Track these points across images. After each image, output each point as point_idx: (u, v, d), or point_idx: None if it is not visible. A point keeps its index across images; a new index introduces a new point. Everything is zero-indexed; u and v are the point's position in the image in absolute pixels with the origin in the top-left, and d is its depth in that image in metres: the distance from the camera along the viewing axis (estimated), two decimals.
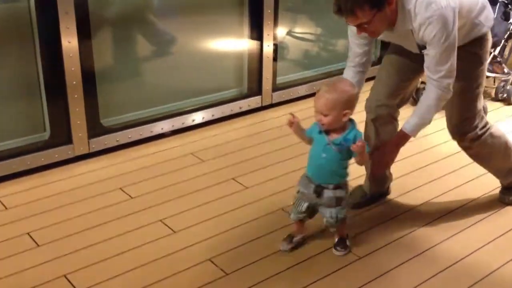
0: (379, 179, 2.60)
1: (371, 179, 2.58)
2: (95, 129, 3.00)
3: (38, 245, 2.32)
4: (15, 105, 2.85)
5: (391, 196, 2.71)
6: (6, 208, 2.57)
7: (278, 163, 3.03)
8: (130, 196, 2.69)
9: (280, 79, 3.73)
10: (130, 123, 3.18)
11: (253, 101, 3.62)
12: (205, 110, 3.43)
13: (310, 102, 3.78)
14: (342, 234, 2.30)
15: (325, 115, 2.05)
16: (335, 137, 2.11)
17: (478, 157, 2.52)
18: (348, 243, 2.30)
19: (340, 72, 3.89)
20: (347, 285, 2.13)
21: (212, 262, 2.23)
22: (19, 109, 2.86)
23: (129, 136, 3.15)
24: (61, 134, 2.90)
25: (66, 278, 2.13)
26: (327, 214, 2.20)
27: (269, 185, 2.81)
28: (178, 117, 3.32)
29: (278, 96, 3.72)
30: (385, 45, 4.09)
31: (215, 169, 2.95)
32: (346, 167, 2.18)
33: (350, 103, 2.07)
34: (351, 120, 2.12)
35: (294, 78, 3.88)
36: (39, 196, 2.66)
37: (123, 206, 2.61)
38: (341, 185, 2.19)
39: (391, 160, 2.34)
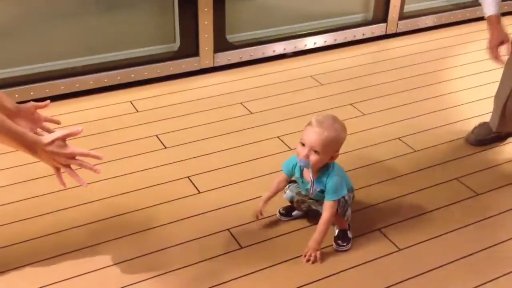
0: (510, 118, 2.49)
1: (501, 116, 2.48)
2: (221, 44, 3.09)
3: (165, 147, 2.50)
4: (150, 15, 2.99)
5: None
6: (137, 111, 2.77)
7: (396, 93, 2.98)
8: (250, 111, 2.79)
9: (407, 8, 3.60)
10: (253, 41, 3.24)
11: (378, 29, 3.54)
12: (328, 34, 3.41)
13: (436, 33, 3.68)
14: (341, 226, 2.00)
15: (316, 153, 1.81)
16: (312, 179, 1.90)
17: None
18: (350, 234, 2.00)
19: (472, 4, 3.73)
20: (460, 221, 2.12)
21: None
22: (153, 19, 3.00)
23: (251, 54, 3.21)
24: (189, 46, 3.03)
25: (189, 179, 2.29)
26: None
27: (386, 114, 2.79)
28: (300, 39, 3.33)
29: (404, 25, 3.60)
30: None
31: (333, 93, 2.97)
32: None
33: (340, 146, 1.87)
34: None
35: (422, 7, 3.72)
36: (167, 102, 2.84)
37: (243, 120, 2.72)
38: None
39: None
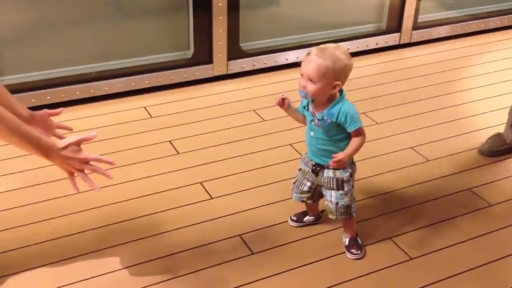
0: None
1: None
2: (234, 51, 3.12)
3: (178, 153, 2.52)
4: (165, 23, 3.03)
5: None
6: (151, 117, 2.79)
7: (409, 103, 2.98)
8: (262, 118, 2.81)
9: (421, 18, 3.60)
10: (266, 49, 3.26)
11: (391, 38, 3.54)
12: (341, 43, 3.40)
13: (450, 44, 3.67)
14: (351, 233, 1.99)
15: (312, 82, 1.74)
16: (319, 111, 1.81)
17: None
18: (360, 241, 2.00)
19: (487, 15, 3.73)
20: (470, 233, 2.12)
21: None
22: (168, 26, 3.04)
23: (265, 62, 3.23)
24: (203, 54, 3.06)
25: (202, 185, 2.30)
26: (327, 197, 1.93)
27: (400, 123, 2.79)
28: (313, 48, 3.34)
29: (418, 35, 3.60)
30: None
31: None
32: (342, 146, 1.84)
33: (343, 74, 1.76)
34: (340, 91, 1.81)
35: (436, 17, 3.72)
36: (180, 109, 2.86)
37: (256, 127, 2.73)
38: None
39: None
